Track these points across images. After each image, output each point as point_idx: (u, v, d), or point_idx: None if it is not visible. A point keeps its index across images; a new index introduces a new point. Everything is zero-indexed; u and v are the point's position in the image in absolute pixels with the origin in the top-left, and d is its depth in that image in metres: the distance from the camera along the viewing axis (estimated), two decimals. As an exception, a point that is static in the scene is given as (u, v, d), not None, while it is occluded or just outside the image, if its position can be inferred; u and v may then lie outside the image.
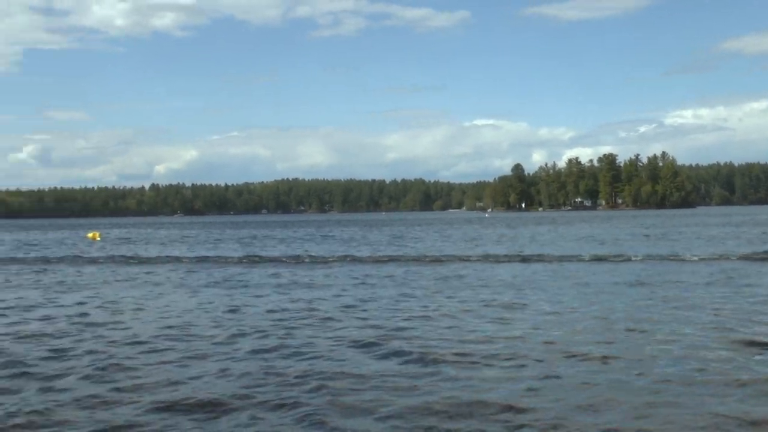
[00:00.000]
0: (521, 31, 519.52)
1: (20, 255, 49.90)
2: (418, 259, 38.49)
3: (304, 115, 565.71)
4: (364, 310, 19.82)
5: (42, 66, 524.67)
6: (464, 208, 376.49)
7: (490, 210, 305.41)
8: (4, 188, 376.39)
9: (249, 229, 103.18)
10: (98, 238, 74.54)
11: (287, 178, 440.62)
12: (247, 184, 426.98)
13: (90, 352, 14.37)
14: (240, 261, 40.13)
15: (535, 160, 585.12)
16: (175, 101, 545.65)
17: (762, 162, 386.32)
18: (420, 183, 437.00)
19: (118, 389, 11.53)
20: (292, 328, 17.03)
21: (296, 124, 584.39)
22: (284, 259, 40.25)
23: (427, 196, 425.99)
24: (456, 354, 13.60)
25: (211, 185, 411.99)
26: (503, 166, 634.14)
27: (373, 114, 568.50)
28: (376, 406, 10.43)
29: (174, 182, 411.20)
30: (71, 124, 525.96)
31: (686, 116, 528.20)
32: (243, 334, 16.21)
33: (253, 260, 40.34)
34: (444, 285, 25.83)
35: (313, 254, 43.57)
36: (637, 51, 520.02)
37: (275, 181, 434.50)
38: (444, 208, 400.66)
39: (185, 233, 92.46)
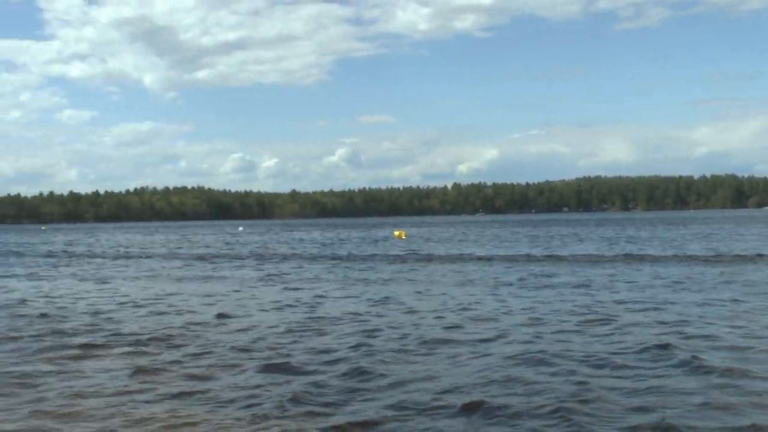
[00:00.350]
0: None
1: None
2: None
3: (605, 110, 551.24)
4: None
5: (352, 73, 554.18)
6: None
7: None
8: (319, 190, 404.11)
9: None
10: (404, 237, 76.31)
11: (589, 176, 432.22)
12: (548, 182, 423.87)
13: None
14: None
15: None
16: (476, 101, 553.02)
17: None
18: (731, 179, 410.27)
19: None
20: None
21: (598, 121, 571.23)
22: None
23: (740, 193, 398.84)
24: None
25: (512, 184, 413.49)
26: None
27: (680, 106, 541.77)
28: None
29: (475, 181, 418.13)
30: (378, 126, 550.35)
31: None
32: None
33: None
34: None
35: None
36: None
37: (576, 179, 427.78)
38: (760, 205, 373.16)
39: (496, 232, 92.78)
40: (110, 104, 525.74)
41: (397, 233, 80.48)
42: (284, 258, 46.53)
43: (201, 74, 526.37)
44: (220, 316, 19.61)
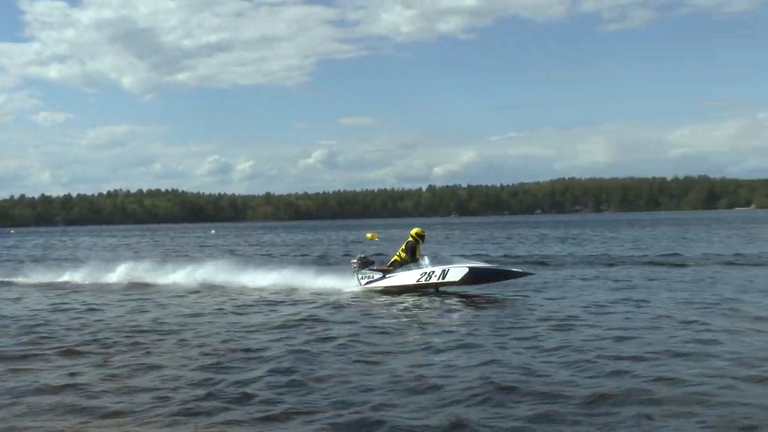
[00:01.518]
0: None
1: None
2: None
3: (587, 112, 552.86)
4: None
5: (334, 75, 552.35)
6: (753, 206, 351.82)
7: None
8: (293, 192, 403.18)
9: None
10: (377, 239, 76.69)
11: (563, 178, 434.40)
12: (522, 185, 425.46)
13: None
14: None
15: None
16: (456, 103, 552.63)
17: None
18: (704, 180, 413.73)
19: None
20: None
21: (578, 123, 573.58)
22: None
23: (712, 194, 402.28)
24: None
25: (486, 186, 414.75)
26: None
27: (664, 108, 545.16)
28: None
29: (452, 183, 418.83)
30: (358, 128, 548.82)
31: None
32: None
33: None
34: None
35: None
36: None
37: (551, 180, 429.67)
38: (730, 206, 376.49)
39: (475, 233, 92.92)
40: (87, 106, 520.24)
41: (369, 235, 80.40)
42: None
43: (181, 76, 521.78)
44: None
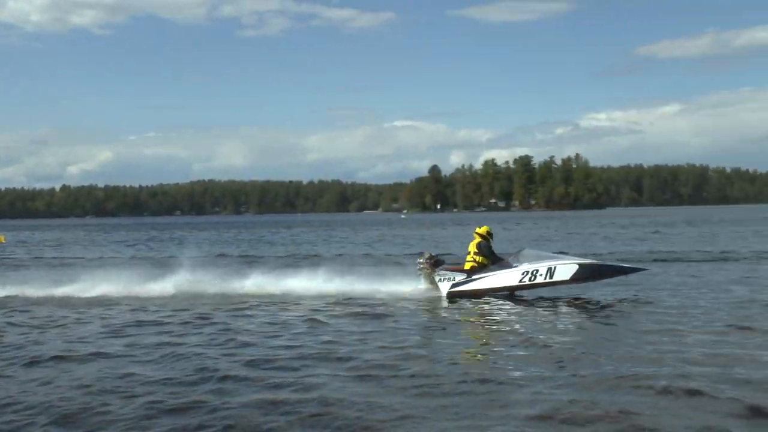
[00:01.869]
0: (445, 34, 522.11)
1: None
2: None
3: (226, 114, 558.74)
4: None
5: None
6: (380, 209, 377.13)
7: (406, 211, 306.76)
8: None
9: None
10: (3, 241, 72.93)
11: (203, 179, 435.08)
12: (161, 186, 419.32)
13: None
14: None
15: (453, 162, 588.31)
16: (93, 101, 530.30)
17: (670, 165, 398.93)
18: (337, 184, 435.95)
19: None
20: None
21: (217, 124, 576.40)
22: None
23: (344, 198, 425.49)
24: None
25: (125, 186, 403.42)
26: (422, 167, 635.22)
27: (297, 114, 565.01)
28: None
29: (87, 183, 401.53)
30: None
31: (600, 119, 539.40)
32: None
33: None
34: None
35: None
36: (556, 55, 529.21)
37: (191, 182, 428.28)
38: (360, 209, 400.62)
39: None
40: None
41: None
42: None
43: None
44: None
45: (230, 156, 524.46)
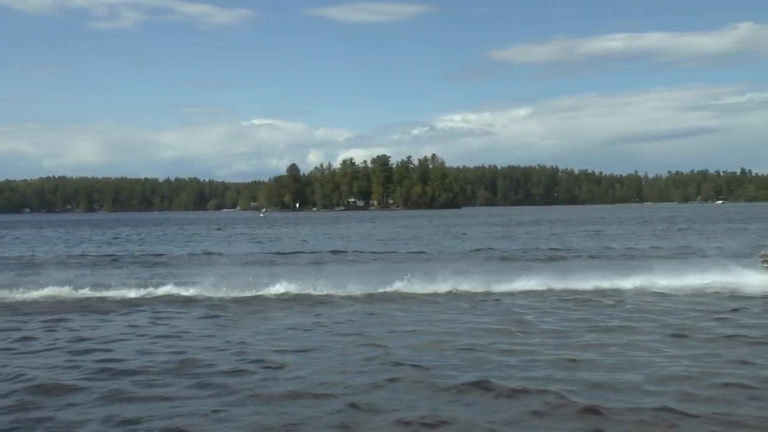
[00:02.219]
0: (303, 32, 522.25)
1: None
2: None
3: (78, 109, 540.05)
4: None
5: None
6: (238, 207, 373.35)
7: (264, 210, 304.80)
8: None
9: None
10: None
11: (54, 176, 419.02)
12: (8, 182, 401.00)
13: None
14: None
15: (311, 161, 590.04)
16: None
17: (522, 165, 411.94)
18: (194, 182, 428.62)
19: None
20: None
21: (68, 119, 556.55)
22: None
23: (202, 196, 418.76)
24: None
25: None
26: (280, 166, 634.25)
27: (152, 110, 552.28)
28: None
29: None
30: None
31: (456, 120, 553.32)
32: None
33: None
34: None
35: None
36: (413, 56, 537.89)
37: (40, 179, 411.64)
38: (218, 207, 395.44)
39: None
40: None
41: None
42: None
43: None
44: None
45: (83, 152, 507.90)
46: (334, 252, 45.81)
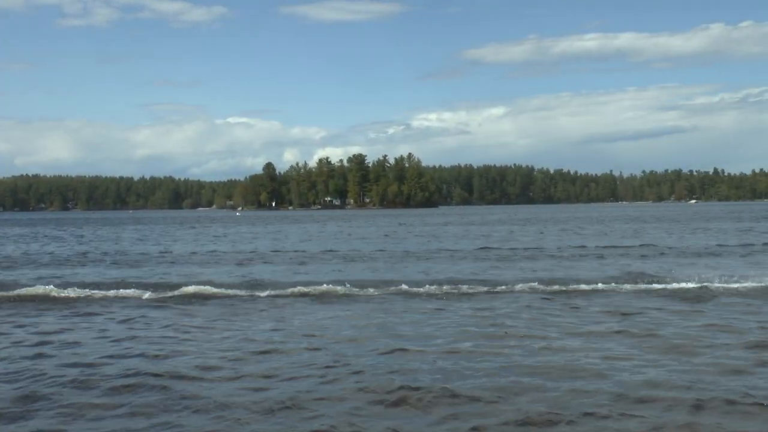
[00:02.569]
0: (277, 30, 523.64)
1: None
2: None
3: (49, 107, 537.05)
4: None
5: None
6: (214, 206, 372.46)
7: (240, 208, 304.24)
8: None
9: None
10: None
11: (27, 174, 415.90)
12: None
13: None
14: None
15: (286, 159, 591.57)
16: None
17: (497, 165, 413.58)
18: (169, 181, 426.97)
19: None
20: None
21: (40, 116, 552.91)
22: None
23: (177, 194, 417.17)
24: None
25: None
26: (255, 164, 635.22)
27: (125, 108, 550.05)
28: None
29: None
30: None
31: (431, 119, 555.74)
32: None
33: None
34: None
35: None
36: (388, 55, 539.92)
37: (13, 176, 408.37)
38: (194, 206, 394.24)
39: None
40: None
41: None
42: None
43: None
44: None
45: (55, 150, 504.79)
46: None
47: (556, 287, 23.44)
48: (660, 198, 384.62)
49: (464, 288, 23.54)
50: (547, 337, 15.39)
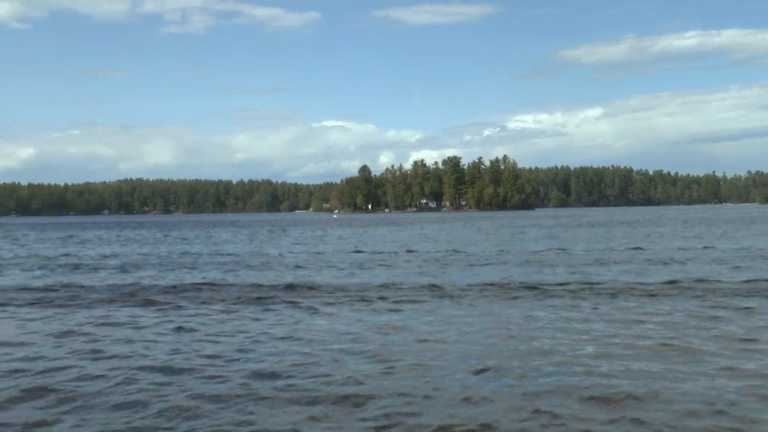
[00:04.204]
0: (371, 34, 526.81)
1: None
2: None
3: (150, 113, 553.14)
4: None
5: None
6: (311, 209, 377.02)
7: (338, 211, 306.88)
8: None
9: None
10: None
11: (131, 178, 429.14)
12: (88, 184, 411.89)
13: None
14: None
15: (382, 162, 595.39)
16: (10, 96, 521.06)
17: (595, 166, 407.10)
18: (267, 184, 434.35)
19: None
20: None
21: (142, 123, 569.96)
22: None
23: (274, 197, 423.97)
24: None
25: (49, 185, 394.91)
26: (351, 167, 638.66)
27: (222, 113, 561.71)
28: None
29: (9, 181, 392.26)
30: None
31: (527, 121, 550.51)
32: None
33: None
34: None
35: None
36: (482, 57, 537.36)
37: (118, 181, 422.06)
38: (291, 209, 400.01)
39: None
40: None
41: None
42: None
43: None
44: None
45: (157, 155, 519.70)
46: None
47: None
48: (767, 199, 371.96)
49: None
50: None
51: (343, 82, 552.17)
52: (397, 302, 21.36)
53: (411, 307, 20.34)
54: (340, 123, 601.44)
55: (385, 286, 25.40)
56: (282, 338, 15.94)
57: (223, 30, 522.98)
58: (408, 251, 44.63)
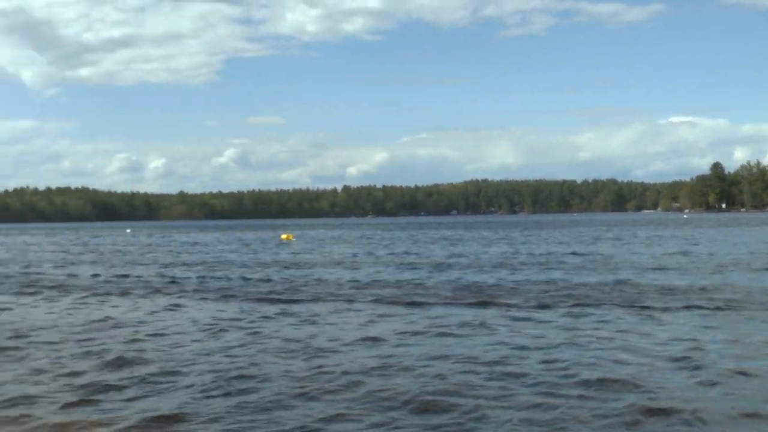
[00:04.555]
0: (719, 23, 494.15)
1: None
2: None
3: (492, 115, 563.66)
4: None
5: (242, 73, 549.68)
6: (659, 208, 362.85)
7: (688, 210, 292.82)
8: (207, 191, 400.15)
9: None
10: (292, 239, 75.83)
11: (476, 179, 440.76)
12: (436, 185, 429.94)
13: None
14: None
15: (736, 158, 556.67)
16: (365, 104, 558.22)
17: None
18: (612, 183, 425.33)
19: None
20: None
21: (485, 125, 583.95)
22: None
23: (620, 197, 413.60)
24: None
25: (401, 186, 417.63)
26: (701, 165, 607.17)
27: (563, 113, 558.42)
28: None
29: (365, 184, 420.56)
30: (269, 128, 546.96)
31: None
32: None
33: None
34: None
35: None
36: None
37: (464, 182, 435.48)
38: (638, 208, 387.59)
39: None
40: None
41: (284, 236, 79.73)
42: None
43: (84, 71, 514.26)
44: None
45: (501, 156, 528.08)
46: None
47: None
48: None
49: None
50: None
51: (690, 76, 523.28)
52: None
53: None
54: (688, 118, 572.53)
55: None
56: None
57: (563, 29, 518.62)
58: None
